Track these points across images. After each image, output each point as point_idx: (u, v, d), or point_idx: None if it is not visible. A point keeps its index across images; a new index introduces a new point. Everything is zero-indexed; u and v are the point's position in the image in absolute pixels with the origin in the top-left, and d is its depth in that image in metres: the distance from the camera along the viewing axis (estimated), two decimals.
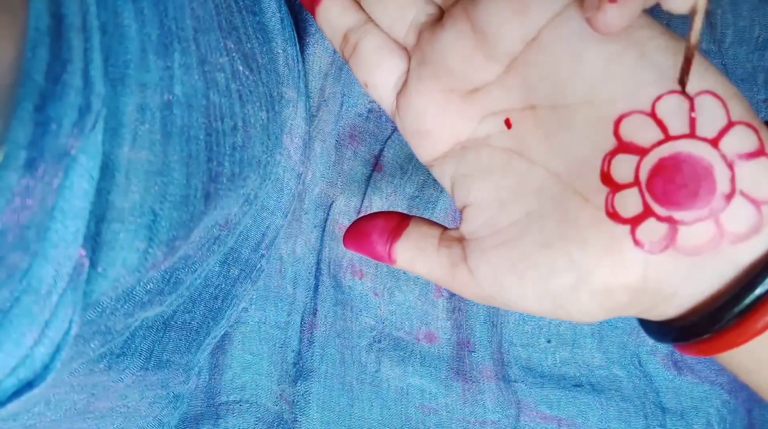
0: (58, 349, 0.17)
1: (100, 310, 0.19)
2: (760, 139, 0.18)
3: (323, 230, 0.32)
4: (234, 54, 0.24)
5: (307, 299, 0.32)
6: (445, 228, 0.24)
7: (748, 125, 0.18)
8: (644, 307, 0.20)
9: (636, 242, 0.18)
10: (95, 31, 0.17)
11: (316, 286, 0.32)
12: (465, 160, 0.23)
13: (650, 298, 0.19)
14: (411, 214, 0.32)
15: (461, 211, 0.23)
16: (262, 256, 0.30)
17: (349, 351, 0.32)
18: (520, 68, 0.21)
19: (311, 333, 0.32)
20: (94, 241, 0.17)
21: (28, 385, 0.17)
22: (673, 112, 0.19)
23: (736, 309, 0.18)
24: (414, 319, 0.32)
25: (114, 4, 0.18)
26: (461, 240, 0.22)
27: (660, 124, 0.19)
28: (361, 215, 0.32)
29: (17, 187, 0.14)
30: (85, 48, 0.16)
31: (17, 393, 0.17)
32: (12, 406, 0.17)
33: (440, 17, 0.23)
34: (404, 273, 0.32)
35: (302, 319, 0.32)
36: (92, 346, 0.20)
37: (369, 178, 0.32)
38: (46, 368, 0.17)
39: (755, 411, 0.33)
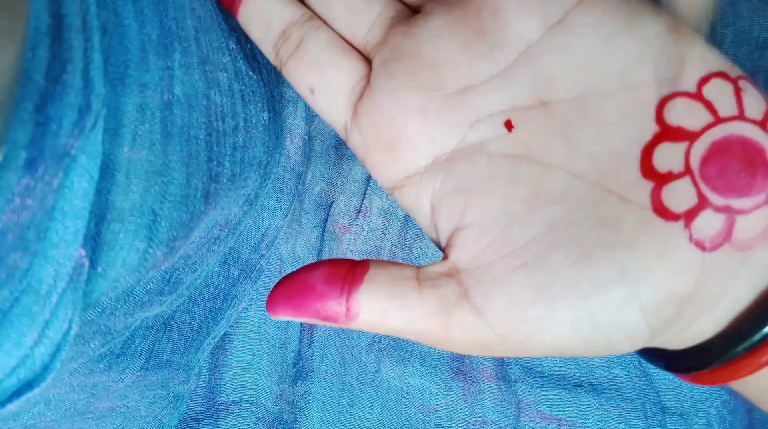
0: (58, 349, 0.17)
1: (100, 310, 0.19)
2: None
3: (323, 230, 0.32)
4: (236, 54, 0.24)
5: None
6: (422, 267, 0.19)
7: None
8: (689, 321, 0.17)
9: (692, 240, 0.17)
10: (95, 31, 0.17)
11: None
12: (453, 174, 0.19)
13: (696, 307, 0.17)
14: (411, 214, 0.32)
15: (448, 239, 0.19)
16: (262, 256, 0.30)
17: (349, 351, 0.32)
18: (535, 58, 0.19)
19: (311, 333, 0.32)
20: (94, 241, 0.17)
21: (28, 385, 0.17)
22: (720, 94, 0.17)
23: (745, 344, 0.17)
24: None
25: (114, 4, 0.18)
26: (453, 274, 0.18)
27: (709, 106, 0.17)
28: (361, 214, 0.32)
29: (17, 187, 0.14)
30: (85, 48, 0.16)
31: (17, 393, 0.17)
32: (12, 406, 0.17)
33: (411, 15, 0.20)
34: None
35: None
36: (92, 346, 0.20)
37: (369, 178, 0.32)
38: (46, 368, 0.17)
39: (755, 411, 0.33)
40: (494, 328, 0.18)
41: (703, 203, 0.17)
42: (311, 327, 0.32)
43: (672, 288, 0.17)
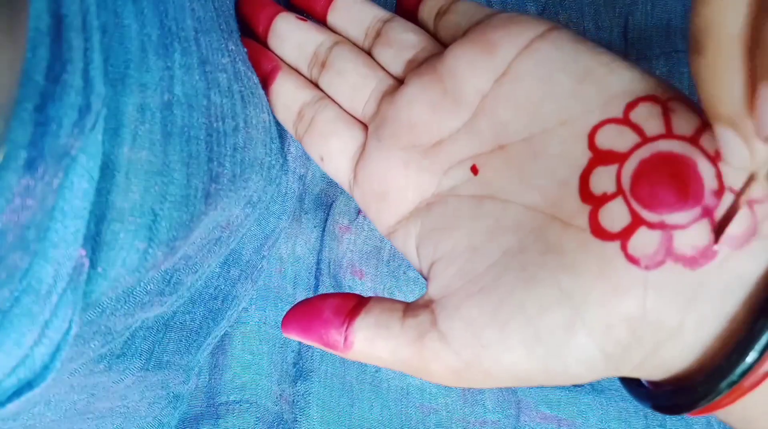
0: (58, 349, 0.17)
1: (100, 310, 0.19)
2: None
3: (323, 230, 0.32)
4: (236, 55, 0.24)
5: None
6: (410, 303, 0.21)
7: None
8: (648, 349, 0.17)
9: (629, 258, 0.17)
10: (95, 31, 0.17)
11: (316, 286, 0.32)
12: (430, 216, 0.21)
13: (653, 332, 0.17)
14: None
15: (428, 273, 0.21)
16: (263, 257, 0.30)
17: None
18: (490, 108, 0.21)
19: None
20: (94, 241, 0.17)
21: (28, 385, 0.17)
22: (648, 116, 0.18)
23: (727, 381, 0.16)
24: None
25: (114, 4, 0.18)
26: (429, 305, 0.20)
27: (635, 128, 0.18)
28: (360, 214, 0.32)
29: (17, 187, 0.14)
30: (85, 48, 0.16)
31: (17, 393, 0.17)
32: (12, 406, 0.17)
33: (397, 87, 0.24)
34: (404, 273, 0.32)
35: None
36: (92, 346, 0.20)
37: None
38: (46, 368, 0.17)
39: None
40: (459, 354, 0.19)
41: (636, 221, 0.17)
42: None
43: (616, 309, 0.17)
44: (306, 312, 0.20)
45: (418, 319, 0.20)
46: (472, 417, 0.32)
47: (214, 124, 0.22)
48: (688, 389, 0.17)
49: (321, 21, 0.27)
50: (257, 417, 0.31)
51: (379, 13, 0.26)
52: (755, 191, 0.17)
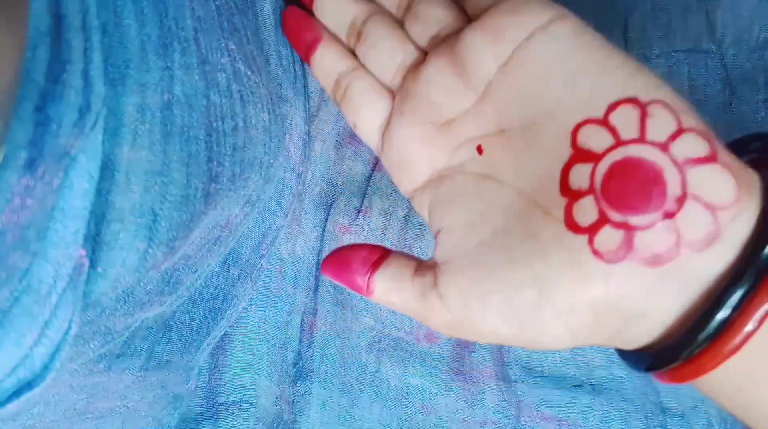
0: (57, 349, 0.17)
1: (100, 310, 0.19)
2: (712, 146, 0.18)
3: (323, 230, 0.32)
4: (236, 55, 0.24)
5: (307, 299, 0.32)
6: (424, 260, 0.24)
7: (700, 133, 0.19)
8: (612, 330, 0.19)
9: (594, 252, 0.18)
10: (95, 31, 0.17)
11: (316, 286, 0.32)
12: (440, 187, 0.23)
13: (616, 317, 0.19)
14: (412, 214, 0.32)
15: (436, 238, 0.23)
16: (263, 256, 0.30)
17: (349, 351, 0.32)
18: (494, 94, 0.22)
19: (311, 333, 0.32)
20: (94, 241, 0.17)
21: (28, 385, 0.17)
22: (626, 119, 0.19)
23: (703, 334, 0.18)
24: (414, 319, 0.32)
25: (114, 4, 0.18)
26: (434, 267, 0.22)
27: (612, 130, 0.19)
28: (360, 214, 0.32)
29: (17, 187, 0.14)
30: (85, 48, 0.16)
31: (17, 393, 0.17)
32: (12, 406, 0.17)
33: (425, 58, 0.25)
34: None
35: (302, 319, 0.32)
36: (92, 346, 0.20)
37: (369, 178, 0.32)
38: (45, 368, 0.17)
39: None
40: (452, 313, 0.21)
41: (603, 219, 0.19)
42: (311, 327, 0.32)
43: (581, 295, 0.19)
44: (340, 259, 0.24)
45: (424, 279, 0.22)
46: (472, 417, 0.32)
47: (214, 124, 0.22)
48: (667, 348, 0.19)
49: None
50: (257, 417, 0.31)
51: None
52: (718, 196, 0.18)
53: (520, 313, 0.20)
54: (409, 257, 0.24)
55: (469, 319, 0.21)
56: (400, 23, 0.26)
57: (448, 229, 0.22)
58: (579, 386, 0.31)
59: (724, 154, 0.18)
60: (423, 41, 0.25)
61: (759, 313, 0.17)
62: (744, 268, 0.17)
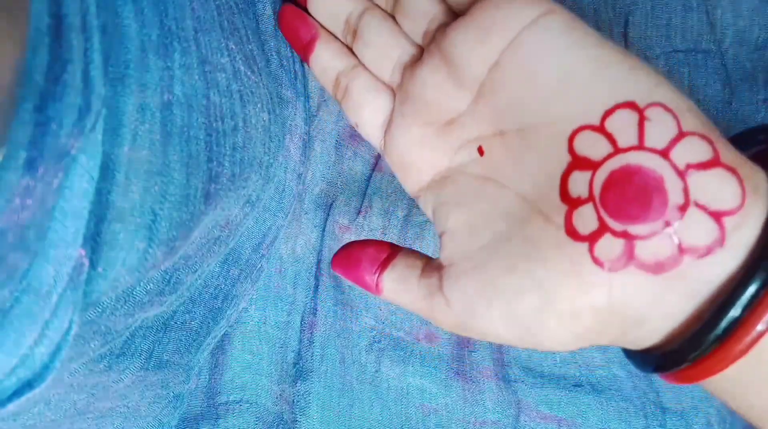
0: (58, 349, 0.17)
1: (100, 310, 0.19)
2: (714, 149, 0.18)
3: (323, 230, 0.32)
4: (236, 54, 0.24)
5: (307, 299, 0.32)
6: (431, 259, 0.24)
7: (702, 136, 0.18)
8: (616, 334, 0.19)
9: (595, 260, 0.18)
10: (95, 31, 0.17)
11: (316, 286, 0.32)
12: (444, 189, 0.23)
13: (619, 322, 0.19)
14: (412, 214, 0.32)
15: (440, 240, 0.23)
16: (263, 256, 0.30)
17: (349, 351, 0.32)
18: (488, 95, 0.22)
19: (311, 333, 0.32)
20: (94, 241, 0.17)
21: (28, 385, 0.17)
22: (623, 125, 0.19)
23: (713, 334, 0.17)
24: (414, 319, 0.32)
25: (114, 4, 0.18)
26: (440, 268, 0.22)
27: (609, 137, 0.19)
28: (360, 214, 0.32)
29: (17, 187, 0.14)
30: (85, 48, 0.16)
31: (17, 393, 0.17)
32: (12, 406, 0.17)
33: (421, 55, 0.24)
34: None
35: (302, 319, 0.32)
36: (92, 346, 0.20)
37: (369, 178, 0.32)
38: (46, 368, 0.17)
39: None
40: (458, 315, 0.21)
41: (603, 228, 0.18)
42: (311, 327, 0.32)
43: (583, 301, 0.18)
44: (350, 257, 0.24)
45: (430, 281, 0.22)
46: (472, 417, 0.32)
47: (214, 124, 0.22)
48: (675, 350, 0.18)
49: None
50: (257, 417, 0.31)
51: None
52: (722, 202, 0.17)
53: (523, 318, 0.19)
54: (417, 256, 0.24)
55: (474, 322, 0.21)
56: (393, 17, 0.26)
57: (452, 231, 0.22)
58: (579, 386, 0.31)
59: (728, 155, 0.18)
60: (416, 36, 0.24)
61: None
62: (754, 269, 0.17)
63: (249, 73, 0.25)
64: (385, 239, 0.32)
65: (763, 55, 0.31)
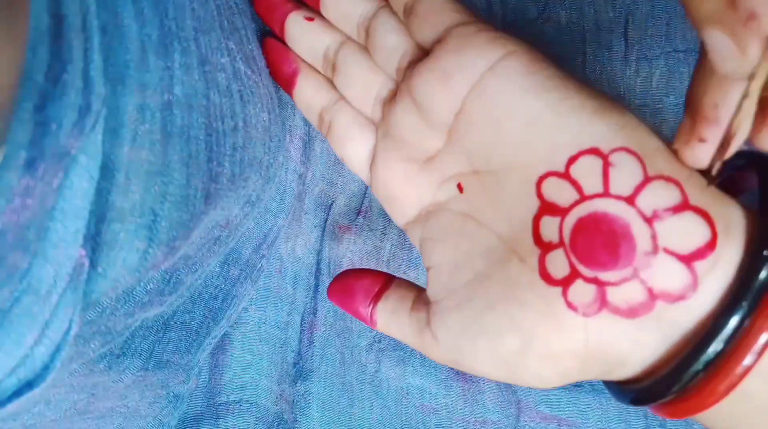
0: (58, 349, 0.17)
1: (100, 310, 0.19)
2: (683, 192, 0.18)
3: (323, 230, 0.32)
4: (235, 54, 0.24)
5: (307, 299, 0.32)
6: (422, 290, 0.23)
7: (669, 179, 0.18)
8: (599, 372, 0.19)
9: (569, 305, 0.18)
10: (95, 31, 0.17)
11: (316, 286, 0.32)
12: (429, 224, 0.23)
13: (600, 363, 0.19)
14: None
15: (427, 274, 0.23)
16: (263, 256, 0.30)
17: (349, 351, 0.32)
18: (457, 138, 0.22)
19: (311, 333, 0.32)
20: (94, 241, 0.17)
21: (28, 385, 0.17)
22: (588, 171, 0.18)
23: (691, 370, 0.17)
24: None
25: (114, 4, 0.18)
26: (428, 303, 0.22)
27: (574, 184, 0.19)
28: (360, 214, 0.32)
29: (17, 187, 0.14)
30: (85, 48, 0.16)
31: (17, 393, 0.17)
32: (12, 406, 0.17)
33: (396, 92, 0.24)
34: (404, 273, 0.32)
35: (302, 319, 0.32)
36: (92, 346, 0.20)
37: None
38: (46, 368, 0.17)
39: None
40: (447, 353, 0.21)
41: (574, 274, 0.18)
42: (311, 327, 0.32)
43: (561, 345, 0.18)
44: (345, 288, 0.24)
45: (419, 316, 0.22)
46: (472, 417, 0.32)
47: (214, 124, 0.22)
48: (654, 384, 0.18)
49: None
50: (257, 417, 0.31)
51: (365, 7, 0.25)
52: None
53: (505, 358, 0.19)
54: (409, 287, 0.24)
55: (461, 360, 0.21)
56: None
57: (437, 267, 0.22)
58: (579, 386, 0.31)
59: (697, 197, 0.18)
60: (390, 72, 0.24)
61: (757, 346, 0.16)
62: (732, 307, 0.17)
63: (249, 72, 0.25)
64: (385, 239, 0.32)
65: None
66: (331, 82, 0.27)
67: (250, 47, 0.26)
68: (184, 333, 0.27)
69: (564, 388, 0.31)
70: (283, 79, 0.27)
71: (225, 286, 0.29)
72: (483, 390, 0.32)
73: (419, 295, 0.23)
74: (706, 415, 0.18)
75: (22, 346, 0.16)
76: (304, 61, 0.27)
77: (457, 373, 0.32)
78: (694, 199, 0.18)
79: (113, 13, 0.18)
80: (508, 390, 0.32)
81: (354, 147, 0.25)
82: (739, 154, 0.19)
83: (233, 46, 0.24)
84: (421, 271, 0.32)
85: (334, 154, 0.32)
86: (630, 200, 0.18)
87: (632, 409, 0.31)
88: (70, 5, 0.16)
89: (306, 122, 0.30)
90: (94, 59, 0.16)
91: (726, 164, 0.18)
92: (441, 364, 0.32)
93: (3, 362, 0.16)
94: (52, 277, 0.16)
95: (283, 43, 0.27)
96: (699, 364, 0.17)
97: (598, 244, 0.18)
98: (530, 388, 0.32)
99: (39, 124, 0.15)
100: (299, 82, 0.27)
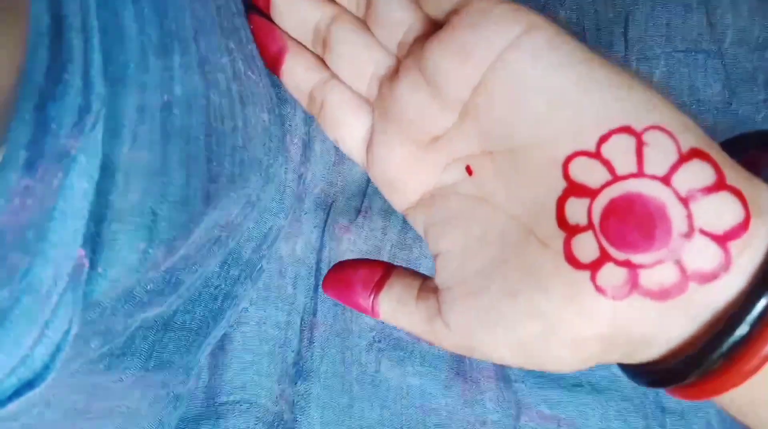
0: (58, 349, 0.17)
1: (100, 310, 0.19)
2: (718, 170, 0.17)
3: (323, 230, 0.32)
4: (235, 55, 0.24)
5: (307, 299, 0.32)
6: (426, 277, 0.23)
7: (703, 157, 0.17)
8: (622, 354, 0.19)
9: (598, 289, 0.17)
10: (95, 31, 0.17)
11: (316, 286, 0.32)
12: (434, 208, 0.22)
13: (624, 345, 0.18)
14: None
15: (435, 261, 0.22)
16: (263, 256, 0.30)
17: (349, 351, 0.32)
18: (473, 114, 0.20)
19: (311, 333, 0.32)
20: (94, 241, 0.17)
21: (28, 385, 0.17)
22: (621, 150, 0.18)
23: (717, 352, 0.17)
24: None
25: (114, 5, 0.18)
26: (436, 291, 0.22)
27: (607, 164, 0.18)
28: (360, 214, 0.32)
29: (17, 187, 0.14)
30: (85, 48, 0.16)
31: (17, 393, 0.17)
32: (12, 406, 0.17)
33: (398, 68, 0.23)
34: None
35: (302, 319, 0.32)
36: (92, 346, 0.20)
37: (369, 178, 0.32)
38: (46, 368, 0.17)
39: None
40: (460, 340, 0.21)
41: (604, 257, 0.18)
42: (311, 327, 0.32)
43: (587, 329, 0.18)
44: (341, 279, 0.23)
45: (428, 303, 0.22)
46: (472, 417, 0.32)
47: (214, 125, 0.22)
48: (679, 365, 0.18)
49: None
50: (257, 417, 0.31)
51: None
52: (727, 226, 0.17)
53: (526, 344, 0.19)
54: (413, 275, 0.23)
55: (477, 348, 0.20)
56: (365, 23, 0.24)
57: (446, 254, 0.21)
58: (579, 386, 0.31)
59: (732, 175, 0.17)
60: (391, 47, 0.23)
61: None
62: (761, 287, 0.16)
63: (249, 73, 0.25)
64: (385, 239, 0.32)
65: (763, 56, 0.31)
66: (321, 60, 0.25)
67: (250, 47, 0.26)
68: (184, 333, 0.27)
69: (564, 388, 0.31)
70: (269, 57, 0.26)
71: (225, 286, 0.29)
72: (483, 390, 0.32)
73: (424, 283, 0.22)
74: (724, 396, 0.18)
75: (22, 346, 0.16)
76: (291, 38, 0.26)
77: (457, 373, 0.32)
78: (729, 179, 0.17)
79: (113, 14, 0.18)
80: (508, 390, 0.32)
81: (349, 129, 0.24)
82: (756, 134, 0.19)
83: (233, 47, 0.24)
84: (422, 271, 0.32)
85: (334, 154, 0.32)
86: (665, 180, 0.17)
87: (632, 408, 0.31)
88: (70, 5, 0.16)
89: (306, 122, 0.30)
90: (94, 59, 0.16)
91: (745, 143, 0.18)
92: (441, 364, 0.32)
93: (3, 362, 0.16)
94: (52, 277, 0.16)
95: (269, 19, 0.26)
96: (726, 346, 0.17)
97: (631, 225, 0.17)
98: (530, 388, 0.32)
99: (39, 124, 0.15)
100: (287, 60, 0.25)
